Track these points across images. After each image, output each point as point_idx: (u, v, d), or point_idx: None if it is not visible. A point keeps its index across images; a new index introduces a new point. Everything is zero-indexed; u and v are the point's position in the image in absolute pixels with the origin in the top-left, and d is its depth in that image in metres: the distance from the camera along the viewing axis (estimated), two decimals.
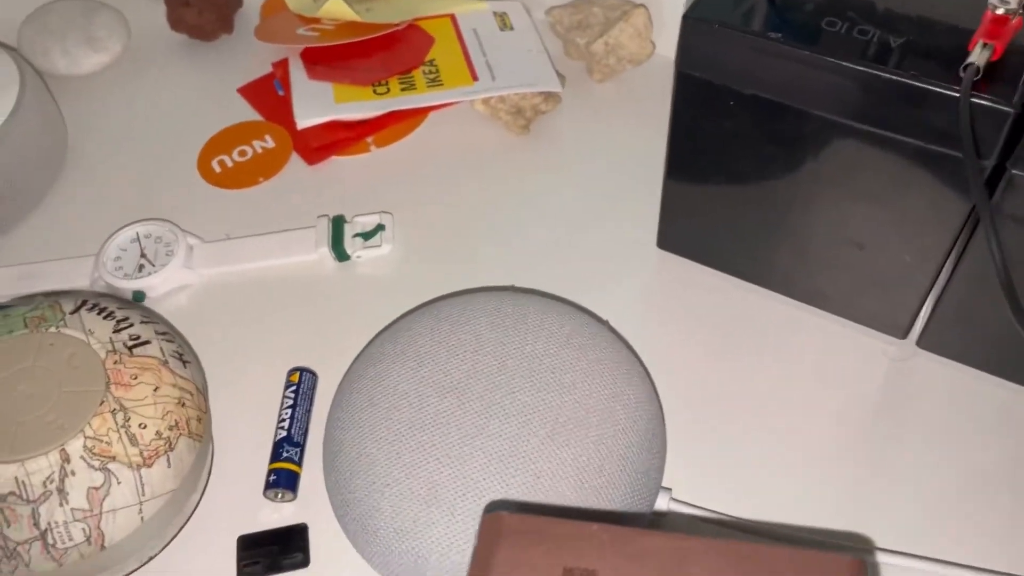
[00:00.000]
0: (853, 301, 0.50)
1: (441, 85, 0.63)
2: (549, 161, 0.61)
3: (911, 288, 0.48)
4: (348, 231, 0.56)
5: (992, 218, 0.39)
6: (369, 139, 0.63)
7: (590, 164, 0.60)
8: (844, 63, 0.40)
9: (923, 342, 0.50)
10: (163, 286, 0.54)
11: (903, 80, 0.39)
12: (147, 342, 0.44)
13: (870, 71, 0.40)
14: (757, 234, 0.50)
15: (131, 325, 0.44)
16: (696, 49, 0.43)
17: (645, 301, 0.53)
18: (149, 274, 0.54)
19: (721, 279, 0.54)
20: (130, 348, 0.43)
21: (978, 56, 0.38)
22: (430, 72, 0.64)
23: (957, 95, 0.38)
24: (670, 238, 0.54)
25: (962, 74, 0.38)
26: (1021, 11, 0.38)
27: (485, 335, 0.44)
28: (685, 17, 0.43)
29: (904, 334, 0.50)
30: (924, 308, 0.50)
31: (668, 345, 0.51)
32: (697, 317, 0.52)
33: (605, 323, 0.52)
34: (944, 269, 0.47)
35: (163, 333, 0.45)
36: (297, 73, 0.64)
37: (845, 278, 0.49)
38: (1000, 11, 0.37)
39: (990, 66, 0.39)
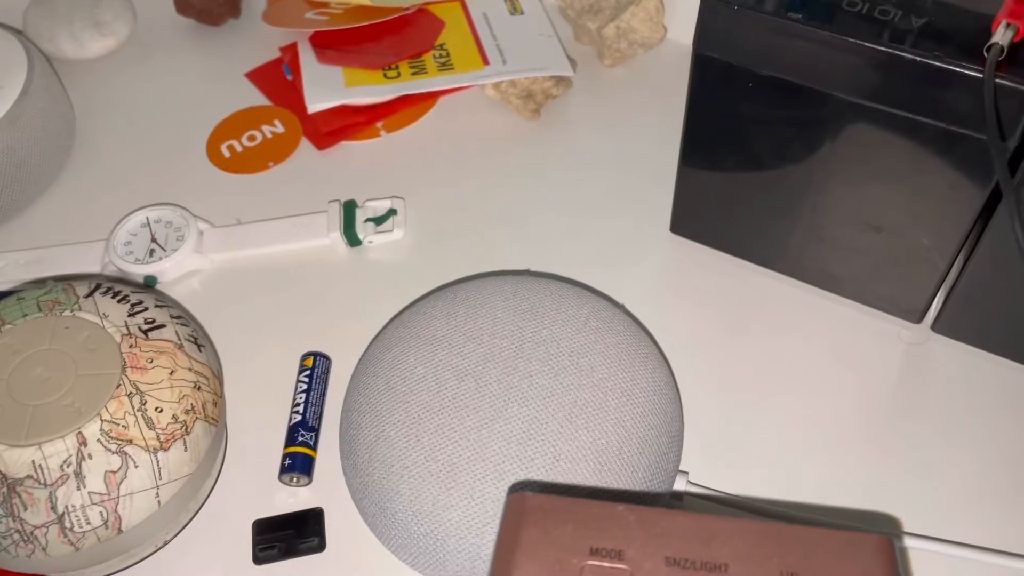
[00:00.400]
0: (868, 285, 0.50)
1: (452, 69, 0.63)
2: (560, 146, 0.60)
3: (927, 271, 0.47)
4: (360, 216, 0.56)
5: (1017, 199, 0.38)
6: (379, 124, 0.62)
7: (601, 149, 0.60)
8: (864, 44, 0.40)
9: (938, 326, 0.50)
10: (174, 271, 0.54)
11: (925, 61, 0.39)
12: (162, 326, 0.44)
13: (891, 52, 0.40)
14: (772, 218, 0.50)
15: (146, 309, 0.44)
16: (714, 30, 0.43)
17: (659, 286, 0.53)
18: (160, 259, 0.54)
19: (735, 264, 0.54)
20: (145, 332, 0.43)
21: (1001, 36, 0.37)
22: (440, 56, 0.63)
23: (980, 76, 0.38)
24: (683, 223, 0.54)
25: (986, 54, 0.38)
26: None
27: (502, 319, 0.43)
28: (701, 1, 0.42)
29: (919, 318, 0.50)
30: (940, 292, 0.50)
31: (683, 329, 0.51)
32: (712, 301, 0.52)
33: (621, 307, 0.52)
34: (960, 252, 0.47)
35: (178, 317, 0.45)
36: (306, 57, 0.64)
37: (861, 262, 0.49)
38: None
39: (1013, 47, 0.38)
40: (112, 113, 0.64)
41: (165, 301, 0.46)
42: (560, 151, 0.60)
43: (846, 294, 0.51)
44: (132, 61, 0.68)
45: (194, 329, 0.45)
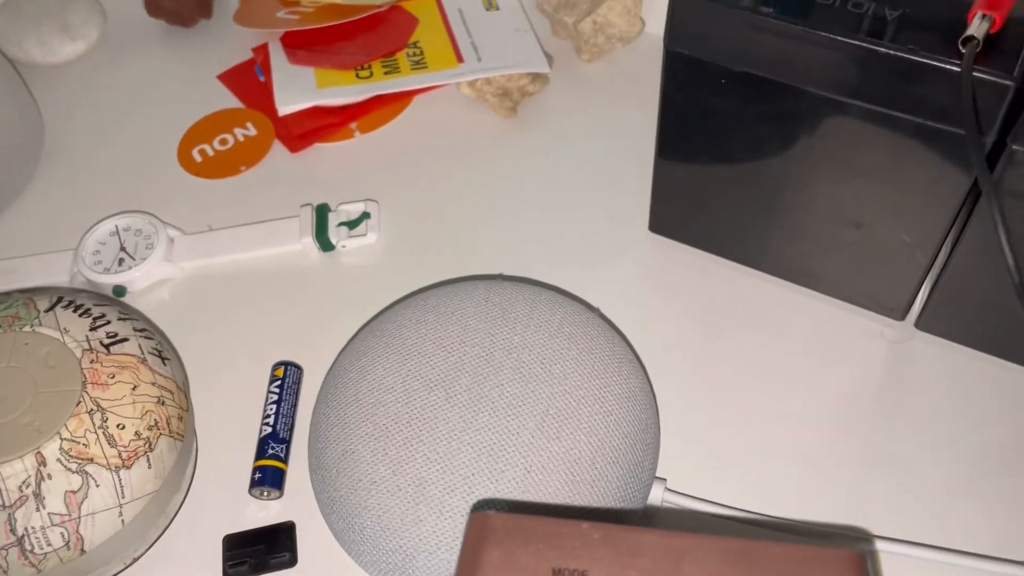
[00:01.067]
0: (850, 282, 0.49)
1: (425, 67, 0.61)
2: (537, 144, 0.59)
3: (909, 268, 0.46)
4: (332, 220, 0.55)
5: (996, 196, 0.37)
6: (353, 124, 0.61)
7: (579, 146, 0.59)
8: (838, 38, 0.39)
9: (921, 323, 0.49)
10: (143, 280, 0.53)
11: (900, 55, 0.38)
12: (125, 339, 0.43)
13: (865, 46, 0.38)
14: (752, 215, 0.49)
15: (108, 322, 0.43)
16: (685, 26, 0.42)
17: (637, 286, 0.52)
18: (129, 268, 0.53)
19: (714, 262, 0.53)
20: (107, 346, 0.42)
21: (977, 28, 0.36)
22: (414, 54, 0.62)
23: (956, 69, 0.37)
24: (662, 221, 0.53)
25: (961, 48, 0.37)
26: None
27: (472, 326, 0.42)
28: None
29: (902, 315, 0.49)
30: (922, 289, 0.49)
31: (661, 331, 0.50)
32: (690, 302, 0.51)
33: (596, 310, 0.51)
34: (943, 248, 0.46)
35: (141, 330, 0.44)
36: (278, 58, 0.62)
37: (842, 259, 0.48)
38: None
39: (989, 38, 0.37)
40: (82, 119, 0.63)
41: (129, 313, 0.45)
42: (537, 149, 0.59)
43: (828, 292, 0.50)
44: (102, 65, 0.66)
45: (159, 342, 0.44)
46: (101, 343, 0.42)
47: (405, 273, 0.53)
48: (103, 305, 0.44)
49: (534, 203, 0.56)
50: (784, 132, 0.44)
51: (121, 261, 0.53)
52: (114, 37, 0.68)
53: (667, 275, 0.52)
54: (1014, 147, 0.38)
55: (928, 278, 0.48)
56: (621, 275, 0.52)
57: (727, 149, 0.46)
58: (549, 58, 0.62)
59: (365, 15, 0.63)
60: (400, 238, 0.55)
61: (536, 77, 0.61)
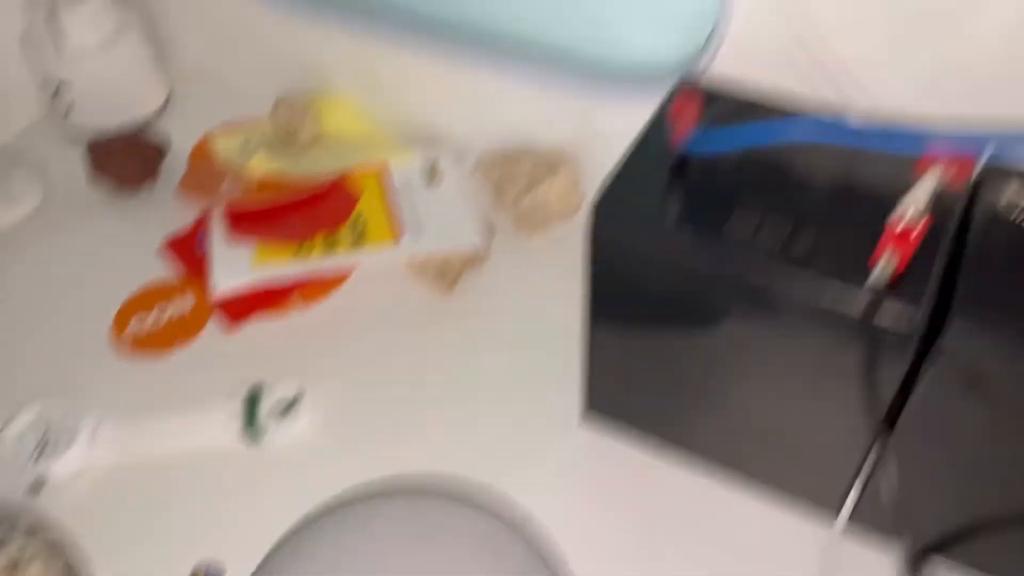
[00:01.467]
0: (784, 477, 0.49)
1: (365, 244, 0.62)
2: (474, 323, 0.59)
3: (842, 464, 0.46)
4: (264, 405, 0.54)
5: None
6: (294, 296, 0.61)
7: (516, 325, 0.59)
8: (752, 265, 0.39)
9: (855, 517, 0.48)
10: (64, 471, 0.52)
11: (807, 306, 0.38)
12: (29, 564, 0.41)
13: (776, 275, 0.39)
14: (684, 406, 0.49)
15: (10, 544, 0.41)
16: (603, 241, 0.43)
17: (570, 480, 0.51)
18: (50, 458, 0.51)
19: (650, 454, 0.52)
20: (8, 573, 0.40)
21: (884, 266, 0.37)
22: (355, 229, 0.63)
23: (857, 318, 0.37)
24: (595, 405, 0.52)
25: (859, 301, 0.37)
26: (926, 212, 0.38)
27: (392, 546, 0.41)
28: (592, 209, 0.42)
29: (837, 511, 0.49)
30: (856, 483, 0.48)
31: (593, 531, 0.49)
32: (624, 500, 0.50)
33: (524, 515, 0.49)
34: (876, 444, 0.45)
35: (49, 548, 0.42)
36: (217, 233, 0.62)
37: (775, 454, 0.48)
38: (901, 225, 0.37)
39: (896, 277, 0.38)
40: (15, 292, 0.62)
41: (36, 530, 0.43)
42: (475, 329, 0.59)
43: (764, 484, 0.50)
44: (41, 233, 0.66)
45: (67, 560, 0.43)
46: (3, 570, 0.40)
47: (335, 464, 0.52)
48: (7, 522, 0.43)
49: (467, 387, 0.56)
50: (710, 337, 0.44)
51: (42, 451, 0.52)
52: (56, 203, 0.68)
53: (600, 468, 0.52)
54: (942, 345, 0.38)
55: (862, 473, 0.47)
56: (553, 467, 0.51)
57: (655, 345, 0.46)
58: (491, 229, 0.63)
59: (309, 193, 0.64)
60: (332, 424, 0.54)
61: (474, 254, 0.61)
